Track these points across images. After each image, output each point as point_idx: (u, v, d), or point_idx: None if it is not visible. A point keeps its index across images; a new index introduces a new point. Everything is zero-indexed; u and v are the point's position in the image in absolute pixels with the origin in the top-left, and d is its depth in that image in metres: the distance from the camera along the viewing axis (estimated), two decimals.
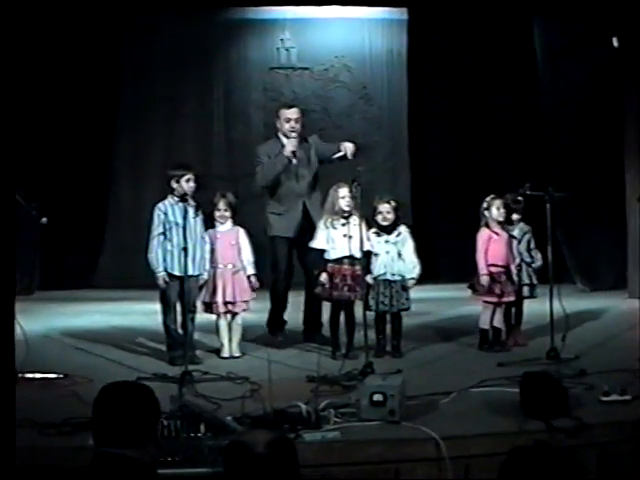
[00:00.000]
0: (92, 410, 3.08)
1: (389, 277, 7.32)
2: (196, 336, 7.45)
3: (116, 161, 12.65)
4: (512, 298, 7.48)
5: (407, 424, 5.12)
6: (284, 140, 7.85)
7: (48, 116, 11.47)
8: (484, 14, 11.52)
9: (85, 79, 11.65)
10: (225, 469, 2.82)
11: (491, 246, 7.41)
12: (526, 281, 7.64)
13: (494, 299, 7.40)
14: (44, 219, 11.00)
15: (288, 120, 7.83)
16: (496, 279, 7.38)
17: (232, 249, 7.43)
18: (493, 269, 7.38)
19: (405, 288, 7.34)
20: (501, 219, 7.47)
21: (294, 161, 7.77)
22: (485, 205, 7.50)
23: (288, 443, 2.91)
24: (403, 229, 7.46)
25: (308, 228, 7.69)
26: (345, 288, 7.21)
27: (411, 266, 7.38)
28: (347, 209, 7.23)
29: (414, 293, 7.47)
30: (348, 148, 7.78)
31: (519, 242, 7.66)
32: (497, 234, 7.46)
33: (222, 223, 7.47)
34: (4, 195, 4.05)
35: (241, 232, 7.52)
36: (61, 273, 12.17)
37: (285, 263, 7.90)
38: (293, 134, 7.80)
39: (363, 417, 5.21)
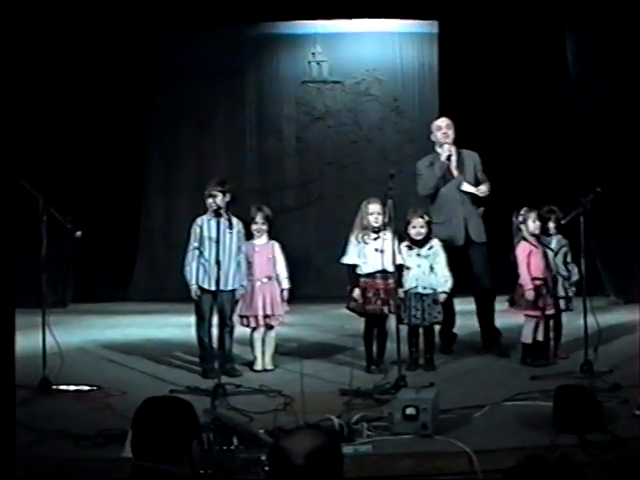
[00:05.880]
0: (132, 422, 3.10)
1: (420, 290, 7.32)
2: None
3: (148, 175, 12.70)
4: (552, 311, 7.41)
5: (440, 438, 5.12)
6: (439, 150, 8.08)
7: (82, 132, 11.57)
8: (515, 28, 11.47)
9: (118, 94, 11.74)
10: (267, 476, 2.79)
11: (532, 259, 7.35)
12: (562, 294, 7.53)
13: (538, 313, 7.33)
14: (79, 232, 11.03)
15: (439, 128, 8.17)
16: (540, 292, 7.32)
17: (269, 263, 7.49)
18: (536, 282, 7.31)
19: (437, 302, 7.33)
20: (537, 232, 7.42)
21: (452, 162, 7.99)
22: (520, 219, 7.46)
23: (332, 451, 2.75)
24: (435, 242, 7.46)
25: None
26: (378, 302, 7.22)
27: (443, 280, 7.37)
28: (375, 225, 7.24)
29: None
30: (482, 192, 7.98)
31: (555, 254, 7.59)
32: (535, 247, 7.42)
33: (259, 237, 7.51)
34: (4, 212, 4.05)
35: (276, 246, 7.57)
36: (95, 286, 12.24)
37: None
38: (447, 140, 8.04)
39: (396, 431, 5.21)
